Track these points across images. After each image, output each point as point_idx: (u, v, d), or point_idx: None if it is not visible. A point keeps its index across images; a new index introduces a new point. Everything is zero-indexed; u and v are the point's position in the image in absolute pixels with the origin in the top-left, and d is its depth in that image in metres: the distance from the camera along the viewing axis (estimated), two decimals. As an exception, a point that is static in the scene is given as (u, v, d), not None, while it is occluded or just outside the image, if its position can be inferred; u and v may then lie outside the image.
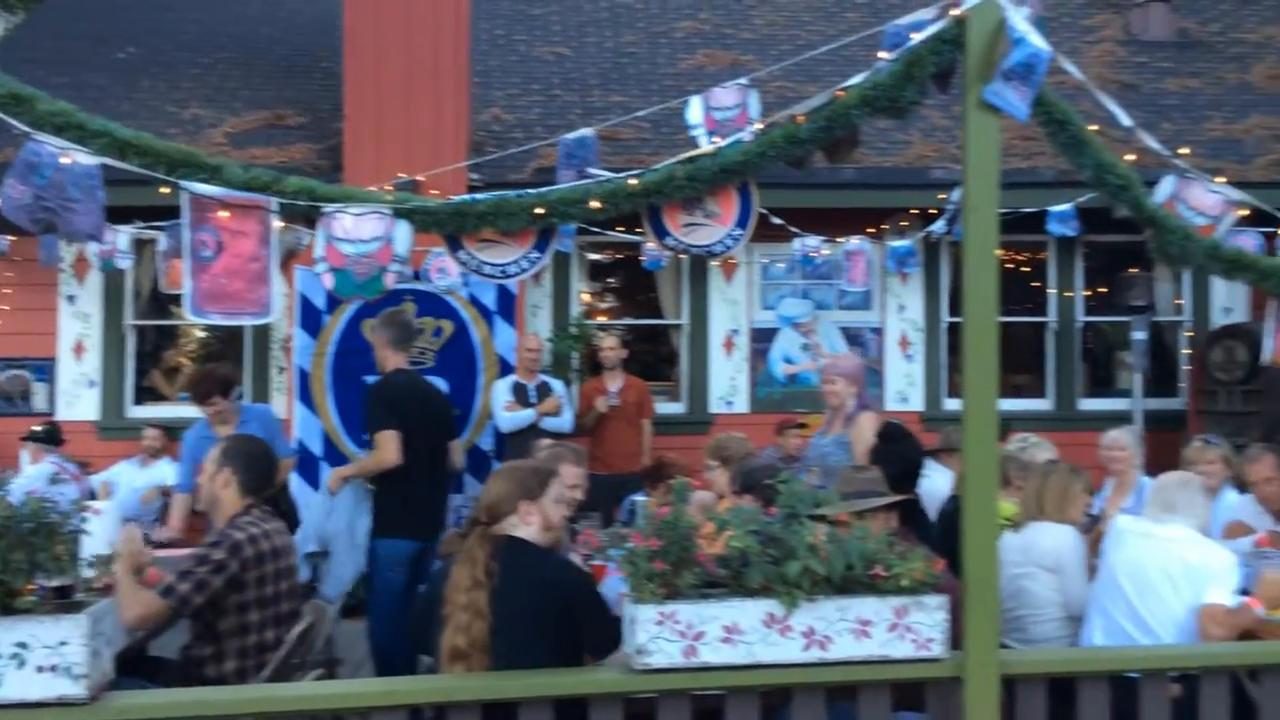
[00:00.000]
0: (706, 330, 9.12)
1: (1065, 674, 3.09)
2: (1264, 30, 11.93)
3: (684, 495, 3.16)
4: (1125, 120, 3.25)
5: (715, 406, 9.06)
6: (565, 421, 7.76)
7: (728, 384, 9.10)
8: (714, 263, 8.93)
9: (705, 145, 3.28)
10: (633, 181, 3.02)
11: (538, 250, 3.06)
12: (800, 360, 9.08)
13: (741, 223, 3.16)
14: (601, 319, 9.81)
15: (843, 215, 8.60)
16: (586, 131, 3.82)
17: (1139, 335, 8.35)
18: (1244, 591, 3.83)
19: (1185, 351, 9.22)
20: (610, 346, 8.20)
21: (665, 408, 8.92)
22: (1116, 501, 5.73)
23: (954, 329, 9.19)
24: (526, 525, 3.35)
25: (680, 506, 3.00)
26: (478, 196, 2.99)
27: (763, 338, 9.15)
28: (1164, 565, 3.67)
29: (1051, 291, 9.26)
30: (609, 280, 11.13)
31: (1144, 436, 8.26)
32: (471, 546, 3.29)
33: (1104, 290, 9.21)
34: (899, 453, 4.42)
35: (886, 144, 9.17)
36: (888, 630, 2.93)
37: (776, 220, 8.08)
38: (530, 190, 3.00)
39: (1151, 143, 3.29)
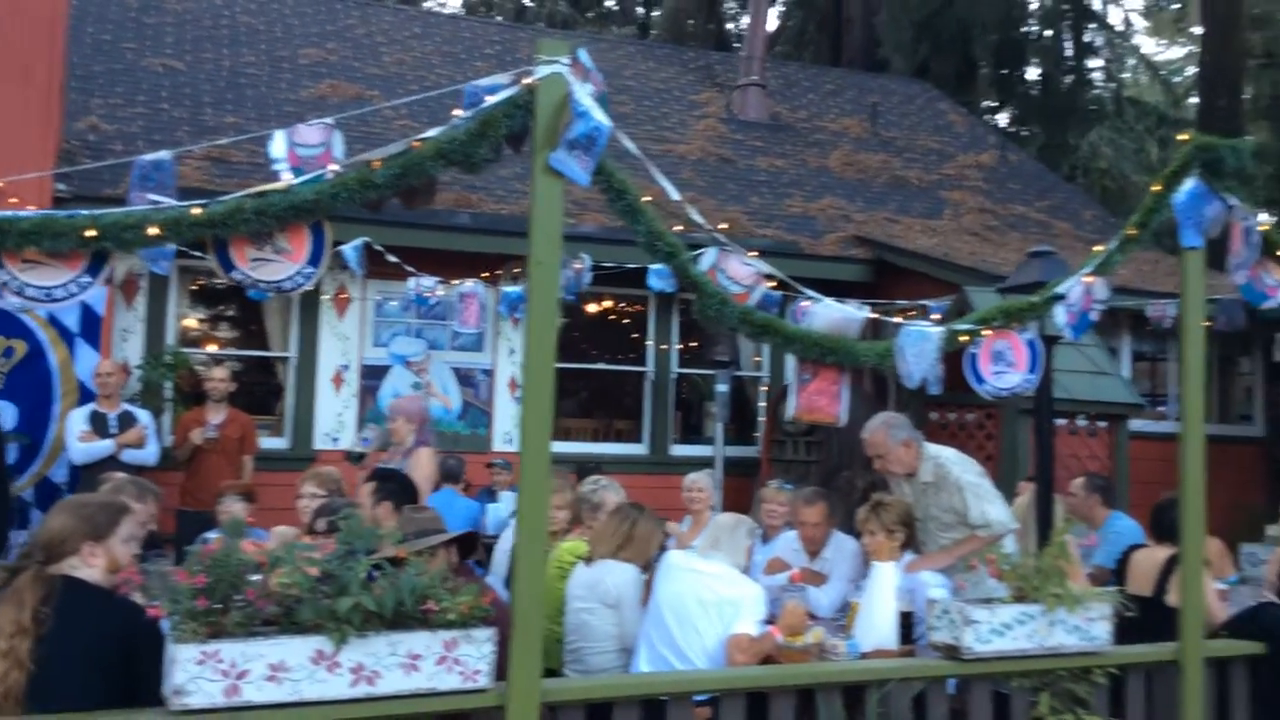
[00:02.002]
0: (315, 364, 8.94)
1: (602, 700, 3.33)
2: (842, 121, 13.50)
3: (238, 530, 3.12)
4: (674, 194, 3.60)
5: (321, 443, 8.88)
6: (149, 454, 7.31)
7: (335, 420, 8.95)
8: (324, 296, 8.81)
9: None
10: (196, 211, 2.97)
11: (89, 274, 2.92)
12: (410, 399, 9.10)
13: (314, 260, 3.18)
14: (212, 347, 9.36)
15: (459, 258, 8.78)
16: (164, 154, 3.69)
17: (721, 388, 9.11)
18: (771, 620, 4.30)
19: (761, 404, 10.16)
20: (220, 378, 7.82)
21: (268, 443, 8.63)
22: (690, 538, 6.21)
23: (562, 374, 9.57)
24: (89, 567, 3.12)
25: (232, 542, 2.96)
26: (20, 214, 2.82)
27: (374, 375, 9.09)
28: (701, 598, 4.05)
29: (650, 344, 9.90)
30: (217, 307, 10.63)
31: (724, 481, 9.02)
32: (21, 588, 3.02)
33: (695, 344, 9.98)
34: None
35: (505, 192, 9.47)
36: (436, 663, 3.03)
37: (392, 259, 8.12)
38: (83, 211, 2.88)
39: (696, 216, 3.66)
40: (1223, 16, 20.12)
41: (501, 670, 3.14)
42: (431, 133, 3.28)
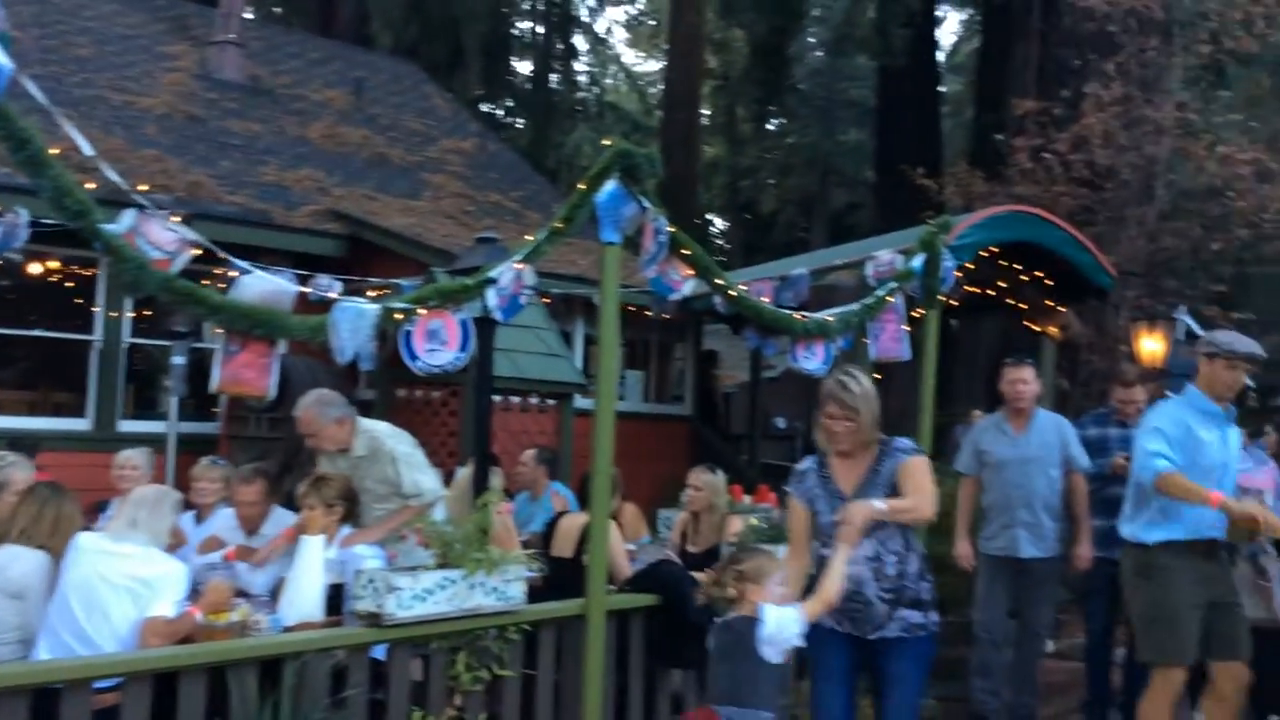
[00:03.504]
0: None
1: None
2: (326, 92, 13.26)
3: None
4: (88, 149, 3.36)
5: None
6: None
7: None
8: None
9: None
10: None
11: None
12: None
13: None
14: None
15: None
16: None
17: (178, 360, 8.60)
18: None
19: (225, 378, 9.71)
20: None
21: None
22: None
23: (-13, 341, 8.53)
24: None
25: None
26: None
27: None
28: (111, 580, 3.82)
29: (99, 310, 9.08)
30: None
31: (179, 458, 8.53)
32: None
33: (151, 313, 9.32)
34: None
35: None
36: None
37: None
38: None
39: (112, 175, 3.45)
40: (685, 37, 22.38)
41: None
42: None
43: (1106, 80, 9.68)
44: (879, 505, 3.75)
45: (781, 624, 3.50)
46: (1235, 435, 4.81)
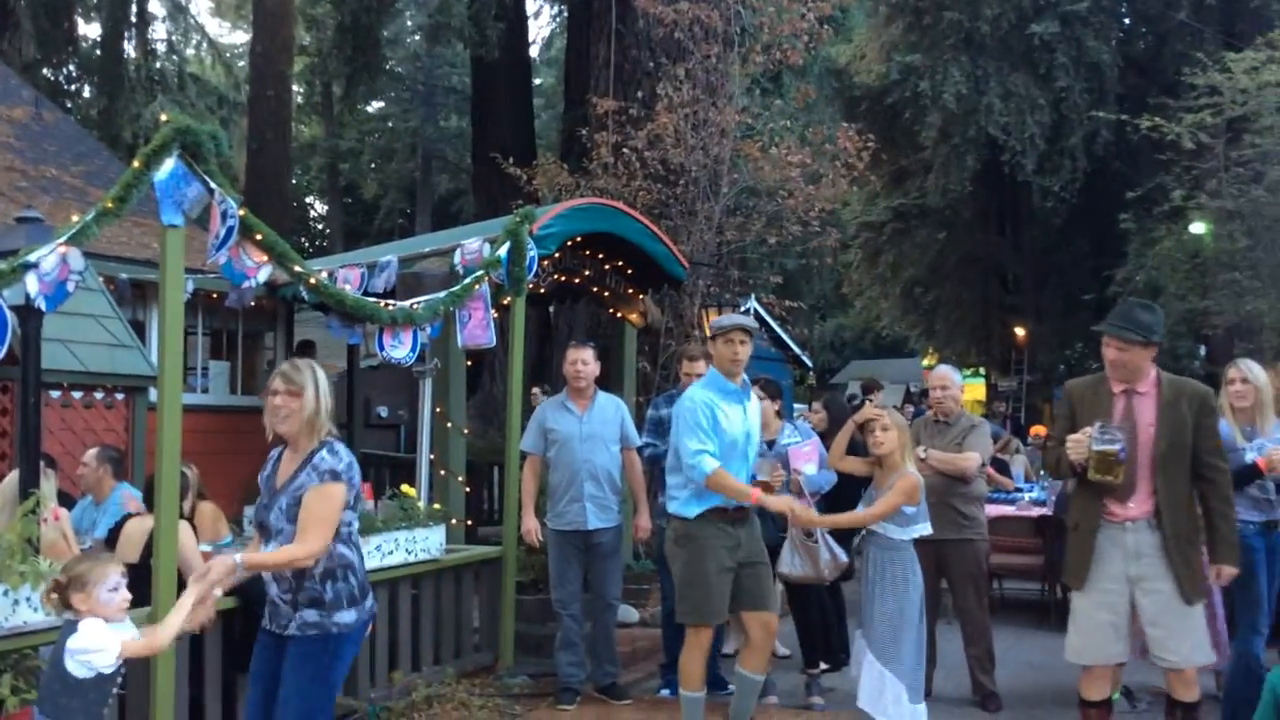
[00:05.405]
0: None
1: None
2: None
3: None
4: None
5: None
6: None
7: None
8: None
9: None
10: None
11: None
12: None
13: None
14: None
15: None
16: None
17: None
18: None
19: None
20: None
21: None
22: None
23: None
24: None
25: None
26: None
27: None
28: None
29: None
30: None
31: None
32: None
33: None
34: None
35: None
36: None
37: None
38: None
39: None
40: (273, 11, 21.40)
41: None
42: None
43: (677, 84, 10.37)
44: (239, 560, 3.55)
45: (94, 641, 3.24)
46: (754, 407, 5.28)
